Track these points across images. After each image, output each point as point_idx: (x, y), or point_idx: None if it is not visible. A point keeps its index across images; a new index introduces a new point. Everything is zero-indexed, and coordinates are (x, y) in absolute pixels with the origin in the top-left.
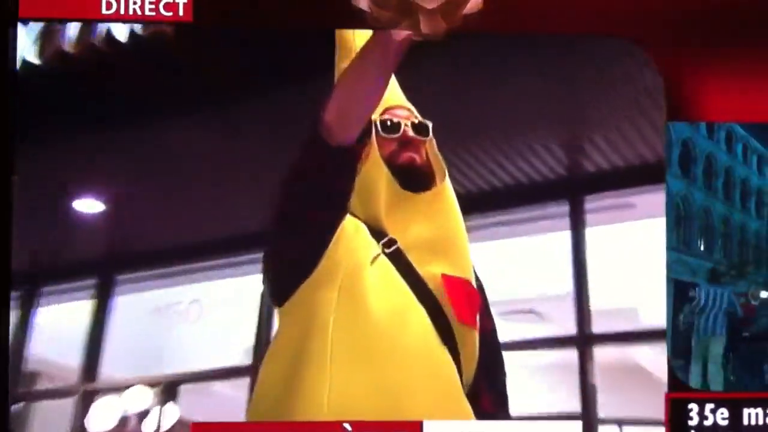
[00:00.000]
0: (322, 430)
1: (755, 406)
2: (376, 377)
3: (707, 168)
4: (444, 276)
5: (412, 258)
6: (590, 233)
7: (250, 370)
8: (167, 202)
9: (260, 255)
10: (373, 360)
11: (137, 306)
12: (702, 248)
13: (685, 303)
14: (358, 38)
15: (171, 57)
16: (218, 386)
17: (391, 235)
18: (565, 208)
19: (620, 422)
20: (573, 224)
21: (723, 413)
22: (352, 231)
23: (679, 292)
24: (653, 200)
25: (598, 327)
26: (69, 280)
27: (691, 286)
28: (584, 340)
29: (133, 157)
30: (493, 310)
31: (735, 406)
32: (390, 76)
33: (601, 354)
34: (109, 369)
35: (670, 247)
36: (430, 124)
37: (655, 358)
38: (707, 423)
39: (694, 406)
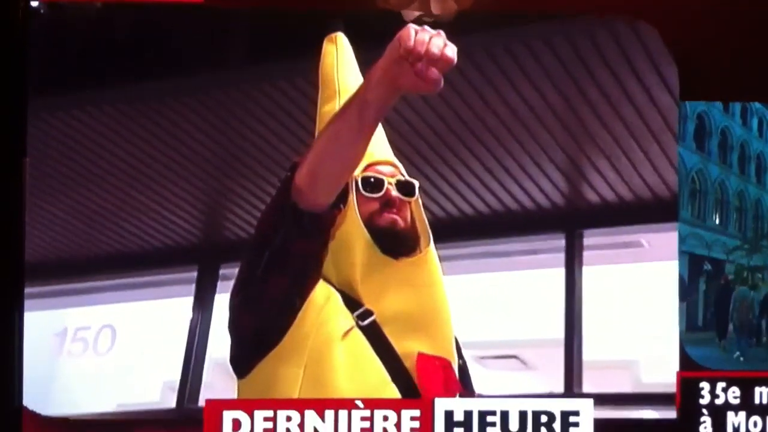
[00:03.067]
0: (335, 406)
1: (767, 385)
2: None
3: (722, 142)
4: (420, 355)
5: (389, 332)
6: (588, 272)
7: (172, 416)
8: (81, 203)
9: (193, 273)
10: None
11: (33, 327)
12: (717, 222)
13: (699, 277)
14: (341, 79)
15: None
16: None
17: (367, 305)
18: (560, 242)
19: None
20: (568, 261)
21: (734, 392)
22: (322, 301)
23: (693, 266)
24: (665, 240)
25: (590, 383)
26: None
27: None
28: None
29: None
30: (471, 353)
31: (746, 384)
32: (369, 140)
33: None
34: None
35: (685, 221)
36: (416, 183)
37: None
38: (718, 402)
39: (705, 385)
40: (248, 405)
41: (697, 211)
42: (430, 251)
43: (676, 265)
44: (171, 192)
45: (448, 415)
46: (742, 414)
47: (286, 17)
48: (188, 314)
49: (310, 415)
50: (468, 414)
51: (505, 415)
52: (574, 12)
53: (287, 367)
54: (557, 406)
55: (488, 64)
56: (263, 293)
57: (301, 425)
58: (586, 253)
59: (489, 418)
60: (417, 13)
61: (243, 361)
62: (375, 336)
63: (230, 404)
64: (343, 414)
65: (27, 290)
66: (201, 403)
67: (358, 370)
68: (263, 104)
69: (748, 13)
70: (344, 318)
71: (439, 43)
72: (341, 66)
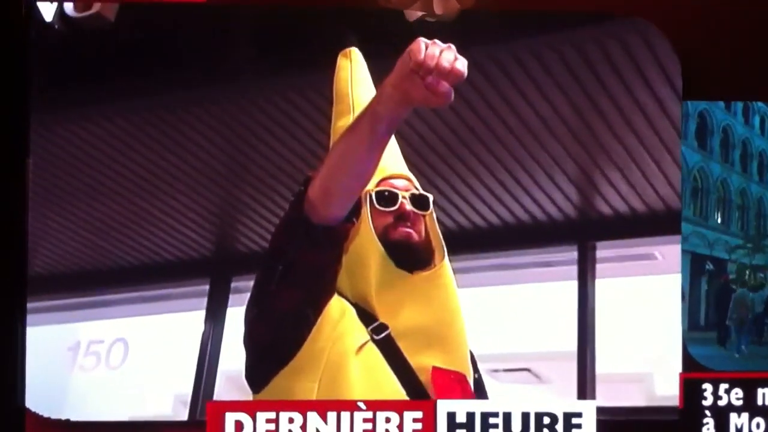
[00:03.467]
0: (337, 408)
1: None
2: None
3: (724, 140)
4: (435, 369)
5: (403, 346)
6: (601, 285)
7: (184, 427)
8: (95, 216)
9: (205, 286)
10: None
11: (45, 341)
12: (719, 221)
13: (701, 277)
14: (355, 94)
15: None
16: None
17: (382, 319)
18: (573, 254)
19: None
20: (581, 273)
21: (737, 393)
22: (337, 315)
23: (695, 265)
24: (679, 252)
25: (602, 396)
26: None
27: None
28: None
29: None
30: (483, 366)
31: (749, 386)
32: (381, 154)
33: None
34: None
35: (687, 220)
36: (431, 197)
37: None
38: (721, 403)
39: (708, 386)
40: (250, 406)
41: (699, 209)
42: (445, 265)
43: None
44: (183, 205)
45: (451, 416)
46: (745, 415)
47: (297, 29)
48: (200, 327)
49: (312, 416)
50: (470, 415)
51: (507, 417)
52: (577, 11)
53: (302, 382)
54: (560, 407)
55: (498, 75)
56: (277, 307)
57: (304, 427)
58: (599, 266)
59: (491, 420)
60: (420, 13)
61: (258, 375)
62: (390, 350)
63: (233, 406)
64: (345, 415)
65: (38, 304)
66: None
67: (373, 385)
68: (274, 116)
69: (748, 13)
70: (359, 332)
71: (450, 57)
72: (355, 81)
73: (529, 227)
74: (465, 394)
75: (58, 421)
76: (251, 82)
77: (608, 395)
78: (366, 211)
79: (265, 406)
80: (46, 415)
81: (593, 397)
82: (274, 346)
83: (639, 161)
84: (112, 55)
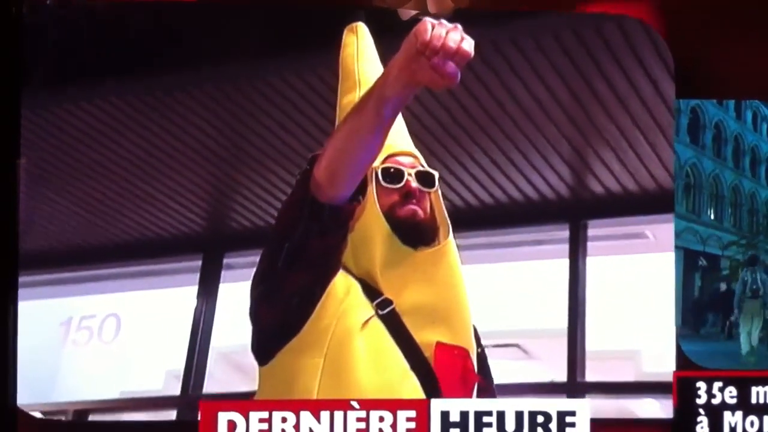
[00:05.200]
0: (330, 407)
1: (763, 385)
2: None
3: (716, 136)
4: (439, 344)
5: (408, 322)
6: (592, 263)
7: (177, 402)
8: (88, 192)
9: (198, 262)
10: None
11: (40, 316)
12: (711, 217)
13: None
14: (361, 70)
15: None
16: (134, 418)
17: (387, 295)
18: (564, 233)
19: None
20: (572, 252)
21: (731, 391)
22: (342, 292)
23: (688, 261)
24: (670, 232)
25: (592, 373)
26: None
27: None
28: (575, 388)
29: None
30: None
31: (743, 384)
32: (386, 134)
33: (595, 405)
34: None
35: (679, 216)
36: (436, 174)
37: (659, 412)
38: (715, 401)
39: (702, 385)
40: (243, 406)
41: (692, 205)
42: (450, 242)
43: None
44: (176, 182)
45: (444, 415)
46: (739, 414)
47: (295, 13)
48: (192, 303)
49: (306, 416)
50: (464, 414)
51: (501, 416)
52: (571, 11)
53: (307, 358)
54: (553, 406)
55: (496, 58)
56: (283, 285)
57: (297, 426)
58: (590, 244)
59: (485, 419)
60: (413, 12)
61: (264, 349)
62: (394, 325)
63: (225, 405)
64: (338, 415)
65: (31, 278)
66: (205, 391)
67: (378, 360)
68: (269, 97)
69: (745, 13)
70: (364, 308)
71: (456, 37)
72: (361, 57)
73: (522, 206)
74: (467, 369)
75: (50, 421)
76: (247, 64)
77: (597, 372)
78: (372, 188)
79: (258, 405)
80: (39, 391)
81: (583, 374)
82: (280, 323)
83: (632, 142)
84: (108, 35)
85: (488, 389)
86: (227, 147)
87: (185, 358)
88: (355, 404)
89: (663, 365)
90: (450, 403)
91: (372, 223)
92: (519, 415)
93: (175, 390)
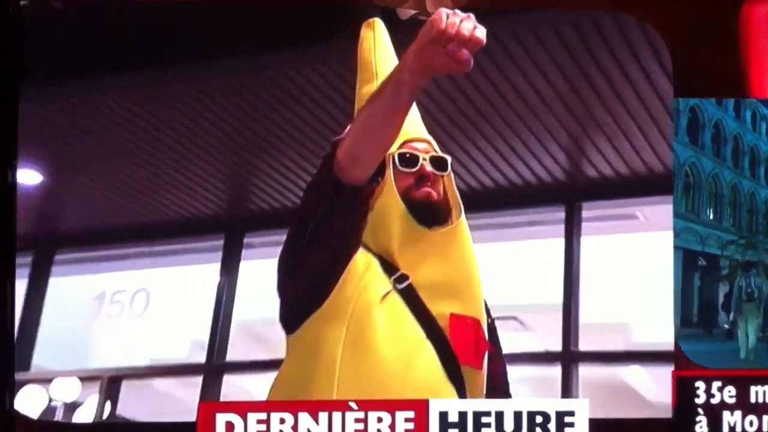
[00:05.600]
0: (328, 408)
1: (762, 384)
2: None
3: (716, 135)
4: (452, 315)
5: (424, 296)
6: (586, 242)
7: (203, 369)
8: (120, 177)
9: (220, 242)
10: (380, 398)
11: (76, 291)
12: (711, 216)
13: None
14: (378, 62)
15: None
16: (163, 384)
17: (404, 270)
18: (561, 214)
19: None
20: (568, 232)
21: (730, 391)
22: (363, 267)
23: (687, 261)
24: (659, 212)
25: (585, 343)
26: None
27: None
28: (569, 357)
29: (80, 127)
30: None
31: (742, 383)
32: (404, 118)
33: (587, 372)
34: (41, 357)
35: (678, 216)
36: (449, 159)
37: (647, 379)
38: (714, 401)
39: (701, 384)
40: (241, 407)
41: (691, 205)
42: (462, 222)
43: (669, 236)
44: (201, 168)
45: (443, 416)
46: (738, 413)
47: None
48: (215, 279)
49: (304, 417)
50: (463, 415)
51: (500, 416)
52: (573, 10)
53: (331, 329)
54: (552, 406)
55: (497, 50)
56: (308, 261)
57: (295, 427)
58: (584, 225)
59: (484, 419)
60: (412, 12)
61: (291, 320)
62: (411, 298)
63: (223, 407)
64: (336, 416)
65: (69, 256)
66: (228, 359)
67: (397, 331)
68: (286, 88)
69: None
70: (382, 283)
71: (469, 26)
72: (378, 50)
73: (522, 189)
74: (479, 338)
75: (48, 423)
76: (267, 56)
77: (589, 343)
78: (389, 172)
79: (257, 407)
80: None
81: (576, 344)
82: (305, 296)
83: (626, 132)
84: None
85: (498, 357)
86: (247, 137)
87: (209, 330)
88: (353, 405)
89: (652, 336)
90: (448, 403)
91: (390, 205)
92: (518, 416)
93: (200, 358)
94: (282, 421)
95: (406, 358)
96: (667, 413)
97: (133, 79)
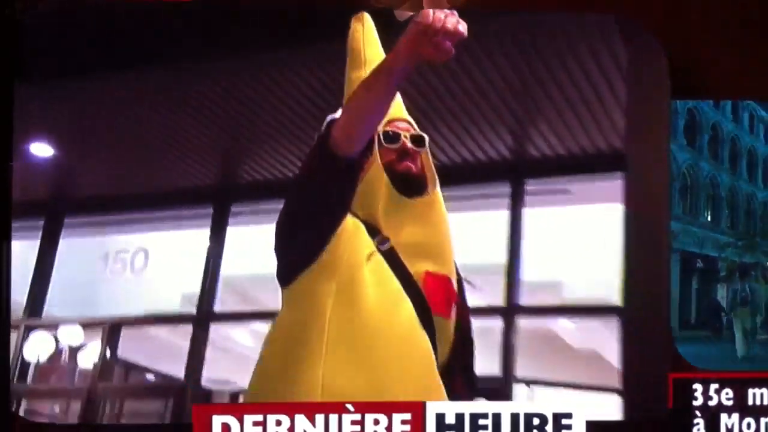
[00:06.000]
0: (324, 410)
1: (760, 386)
2: (366, 360)
3: (713, 137)
4: (427, 273)
5: (403, 256)
6: (528, 213)
7: (193, 319)
8: (123, 151)
9: (209, 210)
10: (365, 345)
11: (83, 251)
12: (708, 219)
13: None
14: (367, 50)
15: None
16: (158, 331)
17: (386, 234)
18: (507, 188)
19: (532, 382)
20: (513, 204)
21: (727, 393)
22: (352, 229)
23: (685, 263)
24: (588, 188)
25: (524, 299)
26: (19, 219)
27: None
28: (510, 311)
29: (89, 102)
30: None
31: (739, 386)
32: (392, 100)
33: (524, 323)
34: (53, 307)
35: (677, 218)
36: (426, 137)
37: (573, 331)
38: (712, 403)
39: (698, 386)
40: (238, 410)
41: (689, 207)
42: (437, 192)
43: (595, 208)
44: (194, 146)
45: (440, 418)
46: (736, 415)
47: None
48: (205, 242)
49: (300, 419)
50: (459, 417)
51: (497, 418)
52: (564, 10)
53: (322, 282)
54: (549, 408)
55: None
56: (303, 224)
57: (291, 429)
58: (527, 198)
59: (480, 421)
60: (409, 13)
61: (286, 275)
62: (392, 258)
63: (219, 409)
64: (333, 418)
65: (77, 220)
66: (219, 308)
67: (380, 286)
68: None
69: (741, 13)
70: (368, 244)
71: (453, 21)
72: (367, 40)
73: (472, 166)
74: (450, 292)
75: (46, 425)
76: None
77: (528, 299)
78: (375, 147)
79: (253, 409)
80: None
81: (517, 299)
82: (300, 254)
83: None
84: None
85: (464, 308)
86: (234, 120)
87: (199, 285)
88: (350, 407)
89: (580, 293)
90: (445, 405)
91: (375, 177)
92: (515, 417)
93: (191, 310)
94: (278, 423)
95: (388, 309)
96: (591, 361)
97: (134, 68)
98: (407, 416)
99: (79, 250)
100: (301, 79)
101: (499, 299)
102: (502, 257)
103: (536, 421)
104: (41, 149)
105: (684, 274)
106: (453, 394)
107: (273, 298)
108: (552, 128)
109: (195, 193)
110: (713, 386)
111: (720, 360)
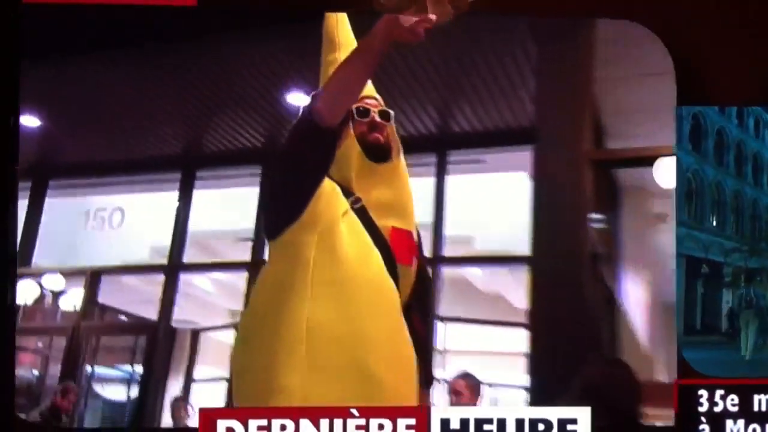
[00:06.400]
0: (329, 414)
1: (765, 392)
2: (344, 299)
3: (718, 142)
4: (393, 228)
5: (373, 213)
6: (451, 180)
7: (164, 269)
8: (102, 123)
9: (178, 175)
10: (343, 285)
11: (67, 209)
12: (714, 223)
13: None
14: (341, 33)
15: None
16: (132, 280)
17: (358, 194)
18: (433, 158)
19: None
20: (438, 172)
21: (733, 399)
22: (329, 190)
23: (690, 268)
24: (503, 158)
25: (447, 251)
26: None
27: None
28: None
29: (72, 80)
30: None
31: (745, 392)
32: (369, 76)
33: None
34: (38, 258)
35: (682, 223)
36: (392, 113)
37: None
38: (717, 409)
39: (703, 392)
40: (242, 414)
41: (694, 212)
42: (401, 159)
43: (509, 176)
44: (165, 119)
45: (444, 423)
46: (741, 422)
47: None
48: (174, 203)
49: (305, 424)
50: (464, 422)
51: (501, 423)
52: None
53: (305, 234)
54: (554, 413)
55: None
56: (289, 185)
57: None
58: (450, 167)
59: (486, 426)
60: (414, 18)
61: (272, 229)
62: (363, 215)
63: (224, 413)
64: (338, 423)
65: (62, 182)
66: (185, 260)
67: (354, 238)
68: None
69: (743, 19)
70: (343, 203)
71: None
72: (340, 26)
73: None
74: (411, 244)
75: (46, 426)
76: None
77: (450, 251)
78: (350, 121)
79: (257, 413)
80: (65, 259)
81: (441, 251)
82: (286, 210)
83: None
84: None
85: (422, 258)
86: (201, 97)
87: (170, 241)
88: (354, 412)
89: (490, 245)
90: (450, 410)
91: (349, 145)
92: (519, 423)
93: (163, 261)
94: (283, 427)
95: (361, 258)
96: (496, 301)
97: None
98: (412, 421)
99: (63, 208)
100: (263, 55)
101: (427, 252)
102: (429, 217)
103: (541, 427)
104: (29, 120)
105: (689, 279)
106: (412, 329)
107: (231, 251)
108: (472, 108)
109: (166, 160)
110: (719, 392)
111: (726, 365)
